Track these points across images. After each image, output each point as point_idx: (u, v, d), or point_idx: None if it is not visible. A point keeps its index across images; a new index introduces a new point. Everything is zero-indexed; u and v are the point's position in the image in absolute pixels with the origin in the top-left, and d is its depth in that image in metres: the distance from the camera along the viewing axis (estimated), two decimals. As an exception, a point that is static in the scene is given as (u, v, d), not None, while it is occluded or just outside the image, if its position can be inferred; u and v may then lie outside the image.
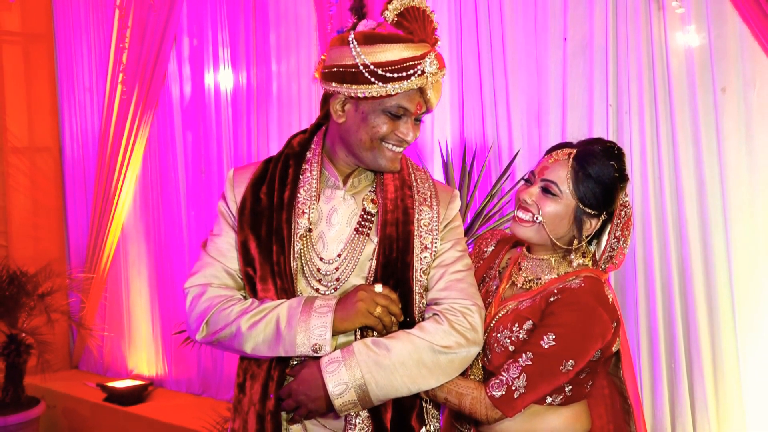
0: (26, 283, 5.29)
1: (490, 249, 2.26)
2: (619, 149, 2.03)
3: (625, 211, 2.06)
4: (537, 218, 2.00)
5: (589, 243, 2.08)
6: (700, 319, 3.27)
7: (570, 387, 1.96)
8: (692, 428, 3.30)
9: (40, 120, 6.39)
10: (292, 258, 1.94)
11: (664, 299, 3.38)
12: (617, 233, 2.06)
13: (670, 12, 3.31)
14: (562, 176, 1.99)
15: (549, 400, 1.96)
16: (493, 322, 2.01)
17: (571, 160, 2.00)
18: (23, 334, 5.26)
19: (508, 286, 2.10)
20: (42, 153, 6.41)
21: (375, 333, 1.90)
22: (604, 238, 2.07)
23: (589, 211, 2.00)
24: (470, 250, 2.24)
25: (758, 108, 3.17)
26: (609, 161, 1.99)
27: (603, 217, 2.03)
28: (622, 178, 2.02)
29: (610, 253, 2.07)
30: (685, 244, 3.30)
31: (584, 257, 2.05)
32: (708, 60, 3.25)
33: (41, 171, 6.41)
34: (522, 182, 2.10)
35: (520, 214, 2.04)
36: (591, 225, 2.02)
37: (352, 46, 1.83)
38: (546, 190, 2.00)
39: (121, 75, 5.79)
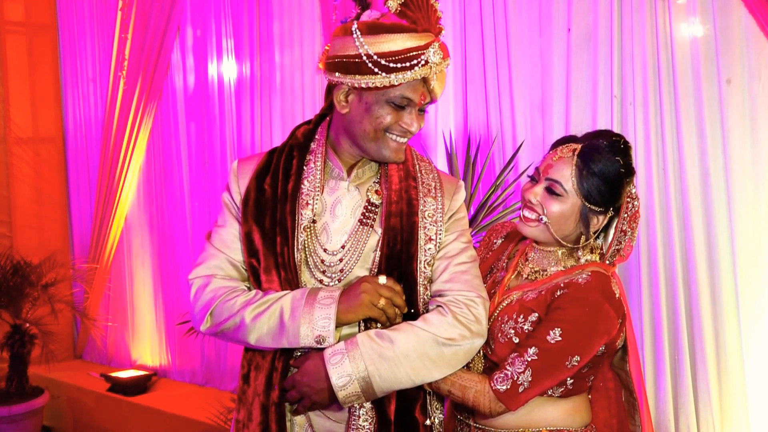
0: (30, 273, 5.29)
1: (499, 241, 2.26)
2: (626, 143, 2.01)
3: (633, 204, 2.04)
4: (542, 218, 1.99)
5: (596, 237, 2.06)
6: (704, 310, 3.27)
7: (572, 380, 1.96)
8: (695, 419, 3.31)
9: (44, 110, 6.38)
10: (296, 249, 1.93)
11: (668, 290, 3.38)
12: (624, 227, 2.04)
13: (674, 3, 3.30)
14: (566, 175, 1.97)
15: (549, 392, 1.96)
16: (497, 311, 2.01)
17: (575, 157, 1.98)
18: (27, 325, 5.26)
19: (513, 276, 2.10)
20: (45, 143, 6.41)
21: (379, 325, 1.90)
22: (611, 232, 2.06)
23: (596, 208, 1.98)
24: (475, 241, 2.24)
25: (763, 99, 3.16)
26: (614, 157, 1.97)
27: (610, 213, 2.02)
28: (628, 173, 2.00)
29: (617, 247, 2.05)
30: (689, 235, 3.29)
31: (592, 253, 2.04)
32: (713, 51, 3.23)
33: (45, 161, 6.40)
34: (527, 179, 2.09)
35: (526, 213, 2.03)
36: (598, 221, 2.01)
37: (355, 36, 1.83)
38: (550, 190, 1.99)
39: (125, 65, 5.78)
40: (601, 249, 2.06)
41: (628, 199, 2.03)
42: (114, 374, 5.48)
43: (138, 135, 5.74)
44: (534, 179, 2.05)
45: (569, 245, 2.02)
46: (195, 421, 4.64)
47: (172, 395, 5.30)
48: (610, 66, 3.50)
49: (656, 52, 3.37)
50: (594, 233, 2.02)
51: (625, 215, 2.04)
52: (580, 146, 2.00)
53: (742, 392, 3.21)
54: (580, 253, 2.03)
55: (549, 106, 3.73)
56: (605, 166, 1.96)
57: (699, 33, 3.27)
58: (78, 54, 6.32)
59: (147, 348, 5.92)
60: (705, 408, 3.27)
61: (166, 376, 5.74)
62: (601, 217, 2.01)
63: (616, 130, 3.47)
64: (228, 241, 1.99)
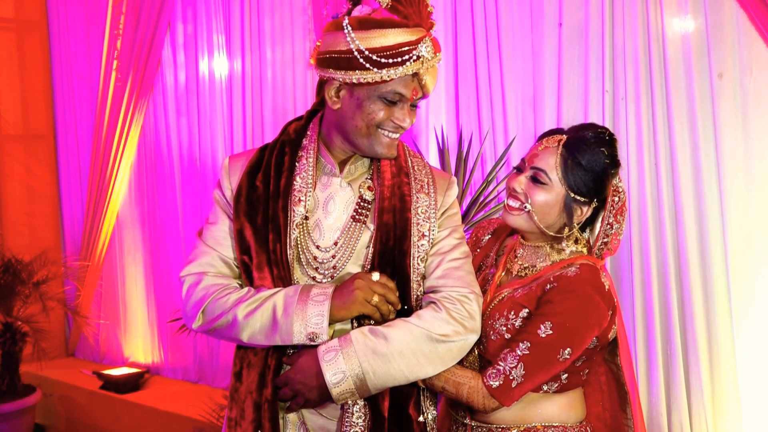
0: (21, 271, 5.27)
1: (487, 237, 2.26)
2: (611, 135, 2.02)
3: (619, 197, 2.04)
4: (525, 207, 2.00)
5: (583, 230, 2.07)
6: (696, 305, 3.27)
7: (566, 375, 1.96)
8: (688, 414, 3.31)
9: (35, 107, 6.36)
10: (288, 246, 1.92)
11: (660, 285, 3.38)
12: (611, 219, 2.04)
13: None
14: (551, 164, 1.98)
15: (545, 387, 1.96)
16: (489, 309, 2.01)
17: (560, 147, 1.99)
18: (19, 323, 5.25)
19: (503, 273, 2.10)
20: (36, 140, 6.39)
21: (372, 321, 1.89)
22: (598, 224, 2.06)
23: (580, 198, 1.99)
24: (467, 237, 2.23)
25: (754, 94, 3.16)
26: (599, 148, 1.98)
27: (594, 204, 2.02)
28: (613, 165, 2.01)
29: (604, 240, 2.05)
30: (681, 230, 3.29)
31: (577, 244, 2.04)
32: (704, 46, 3.24)
33: (36, 158, 6.38)
34: (513, 170, 2.10)
35: (510, 202, 2.04)
36: (582, 212, 2.02)
37: (346, 31, 1.82)
38: (535, 179, 2.00)
39: (115, 62, 5.76)
40: (588, 242, 2.07)
41: (614, 192, 2.03)
42: (106, 372, 5.47)
43: (129, 132, 5.72)
44: (519, 170, 2.06)
45: (552, 234, 2.02)
46: (188, 419, 4.63)
47: (165, 392, 5.29)
48: (602, 61, 3.50)
49: (648, 47, 3.37)
50: (577, 224, 2.02)
51: (611, 208, 2.04)
52: (565, 137, 2.01)
53: (734, 386, 3.21)
54: (563, 244, 2.03)
55: (540, 102, 3.73)
56: (590, 157, 1.97)
57: (690, 27, 3.27)
58: (68, 50, 6.30)
59: (139, 345, 5.91)
60: (697, 402, 3.28)
61: (159, 374, 5.73)
62: (585, 208, 2.01)
63: (608, 125, 3.47)
64: (219, 238, 1.98)
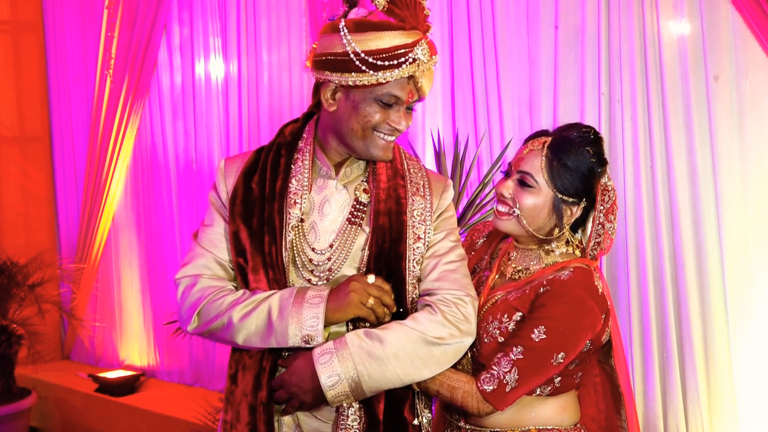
0: (17, 273, 5.26)
1: (481, 240, 2.26)
2: (596, 133, 2.02)
3: (609, 196, 2.04)
4: (514, 211, 2.00)
5: (575, 231, 2.07)
6: (692, 308, 3.27)
7: (559, 378, 1.96)
8: (684, 416, 3.31)
9: (30, 109, 6.35)
10: (284, 249, 1.92)
11: (656, 288, 3.38)
12: (602, 219, 2.04)
13: (662, 0, 3.30)
14: (536, 167, 1.98)
15: (538, 391, 1.96)
16: (482, 312, 2.00)
17: (545, 149, 1.99)
18: (14, 325, 5.23)
19: (497, 276, 2.10)
20: (32, 142, 6.37)
21: (367, 324, 1.89)
22: (589, 224, 2.06)
23: (568, 199, 1.99)
24: (463, 239, 2.23)
25: (750, 96, 3.17)
26: (585, 147, 1.98)
27: (583, 203, 2.02)
28: (600, 163, 2.00)
29: (597, 240, 2.05)
30: (677, 233, 3.30)
31: (568, 245, 2.04)
32: (700, 48, 3.24)
33: (31, 161, 6.37)
34: (501, 175, 2.10)
35: (499, 207, 2.04)
36: (571, 212, 2.01)
37: (342, 33, 1.82)
38: (522, 182, 2.00)
39: (111, 64, 5.75)
40: (581, 243, 2.07)
41: (604, 191, 2.03)
42: (102, 374, 5.46)
43: (125, 134, 5.71)
44: (507, 174, 2.06)
45: (541, 237, 2.02)
46: (183, 421, 4.62)
47: (161, 395, 5.29)
48: (598, 63, 3.50)
49: (644, 50, 3.37)
50: (567, 224, 2.02)
51: (601, 207, 2.03)
52: (550, 139, 2.01)
53: (730, 389, 3.21)
54: (553, 245, 2.03)
55: (537, 104, 3.73)
56: (576, 157, 1.97)
57: (686, 30, 3.28)
58: (64, 52, 6.29)
59: (135, 348, 5.89)
60: (693, 405, 3.28)
61: (155, 377, 5.72)
62: (574, 208, 2.01)
63: (604, 127, 3.48)
64: (215, 241, 1.98)
